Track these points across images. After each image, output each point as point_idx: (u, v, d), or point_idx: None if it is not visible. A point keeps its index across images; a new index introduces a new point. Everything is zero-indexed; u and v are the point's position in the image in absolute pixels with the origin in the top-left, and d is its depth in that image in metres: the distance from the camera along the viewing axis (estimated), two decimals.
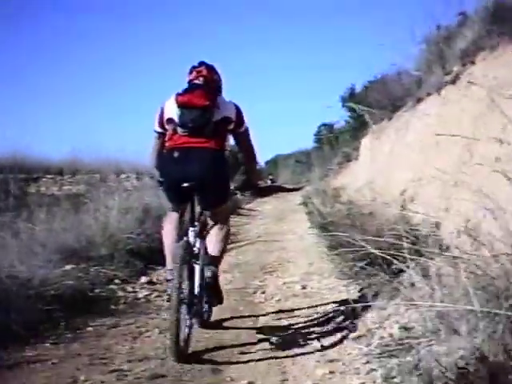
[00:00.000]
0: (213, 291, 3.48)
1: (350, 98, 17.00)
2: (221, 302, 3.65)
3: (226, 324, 3.91)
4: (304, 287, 5.01)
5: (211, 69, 3.52)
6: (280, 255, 7.06)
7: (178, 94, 3.36)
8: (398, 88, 9.22)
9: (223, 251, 3.55)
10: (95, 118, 44.36)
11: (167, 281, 3.25)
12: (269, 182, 27.55)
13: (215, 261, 3.44)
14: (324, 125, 24.75)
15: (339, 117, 17.96)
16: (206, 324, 3.71)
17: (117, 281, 5.05)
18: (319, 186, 14.56)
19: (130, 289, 4.90)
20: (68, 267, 4.89)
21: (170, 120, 3.41)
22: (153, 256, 5.67)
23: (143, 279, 5.28)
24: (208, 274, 3.30)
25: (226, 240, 3.62)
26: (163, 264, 3.70)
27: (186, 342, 3.10)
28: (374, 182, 8.33)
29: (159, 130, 3.55)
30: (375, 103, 10.20)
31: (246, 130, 3.59)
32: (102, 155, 13.72)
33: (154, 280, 5.33)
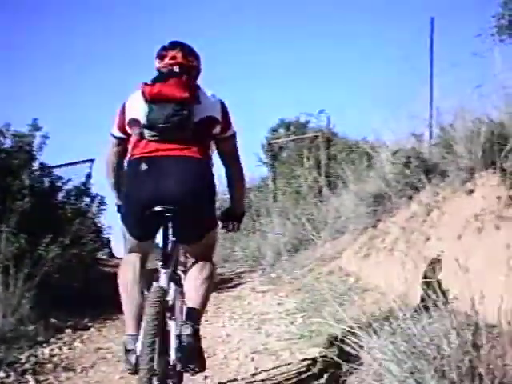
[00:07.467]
0: (193, 354, 2.47)
1: None
2: (203, 367, 2.60)
3: None
4: None
5: (189, 52, 2.64)
6: None
7: (146, 85, 2.50)
8: None
9: (206, 299, 2.61)
10: None
11: (126, 351, 2.39)
12: None
13: (196, 314, 2.50)
14: (287, 124, 12.35)
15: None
16: None
17: None
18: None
19: None
20: None
21: (135, 121, 2.54)
22: None
23: None
24: (187, 331, 2.38)
25: (211, 282, 2.65)
26: None
27: None
28: None
29: (118, 134, 2.69)
30: None
31: (234, 135, 2.73)
32: None
33: None
